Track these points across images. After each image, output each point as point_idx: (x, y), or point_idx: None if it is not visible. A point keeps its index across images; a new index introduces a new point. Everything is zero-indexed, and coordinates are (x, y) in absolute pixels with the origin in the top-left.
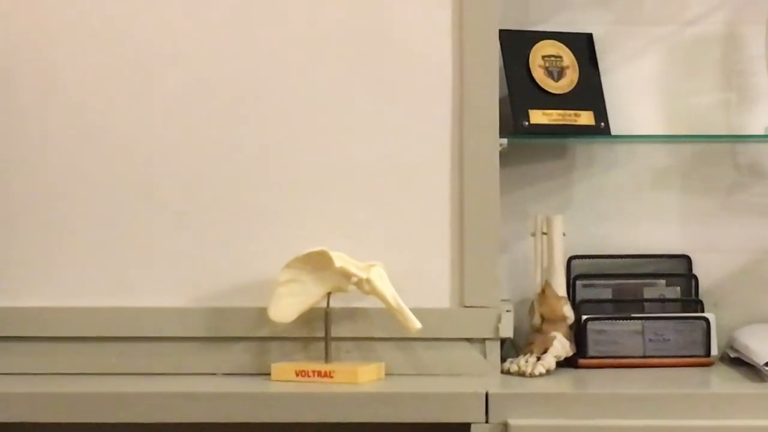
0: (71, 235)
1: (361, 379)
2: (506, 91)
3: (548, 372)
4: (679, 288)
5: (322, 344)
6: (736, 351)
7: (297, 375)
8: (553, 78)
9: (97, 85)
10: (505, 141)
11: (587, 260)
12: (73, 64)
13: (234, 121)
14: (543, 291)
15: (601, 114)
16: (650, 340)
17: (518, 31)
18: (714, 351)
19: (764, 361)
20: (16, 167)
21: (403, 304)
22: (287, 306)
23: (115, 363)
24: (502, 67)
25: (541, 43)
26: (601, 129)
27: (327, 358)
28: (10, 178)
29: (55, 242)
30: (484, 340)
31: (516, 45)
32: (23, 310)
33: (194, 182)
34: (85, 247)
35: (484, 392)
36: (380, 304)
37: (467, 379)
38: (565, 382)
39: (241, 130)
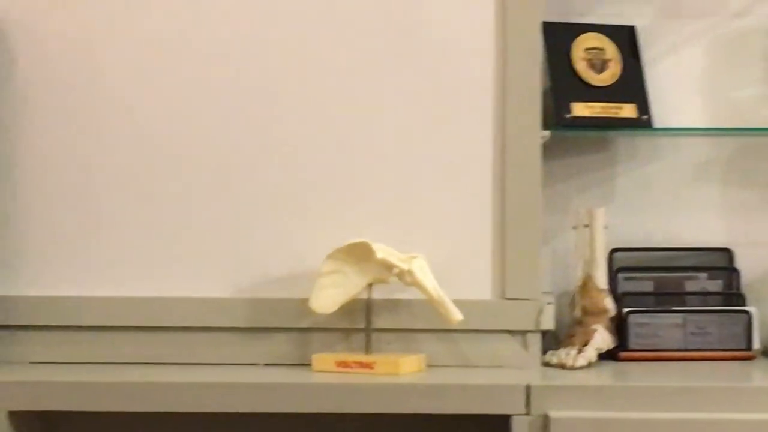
0: (113, 225)
1: (402, 371)
2: (548, 84)
3: (589, 364)
4: (720, 281)
5: (363, 335)
6: None
7: (338, 366)
8: (595, 70)
9: (137, 77)
10: (547, 133)
11: (629, 253)
12: (109, 55)
13: (278, 114)
14: (584, 283)
15: (643, 107)
16: (691, 333)
17: (561, 23)
18: (756, 345)
19: None
20: (53, 159)
21: (444, 296)
22: (329, 297)
23: (156, 353)
24: (545, 60)
25: (584, 35)
26: (643, 122)
27: (368, 350)
28: (49, 171)
29: (97, 233)
30: (525, 332)
31: (559, 37)
32: (64, 299)
33: (238, 174)
34: (127, 238)
35: (525, 384)
36: (422, 296)
37: (508, 371)
38: (606, 375)
39: (285, 122)
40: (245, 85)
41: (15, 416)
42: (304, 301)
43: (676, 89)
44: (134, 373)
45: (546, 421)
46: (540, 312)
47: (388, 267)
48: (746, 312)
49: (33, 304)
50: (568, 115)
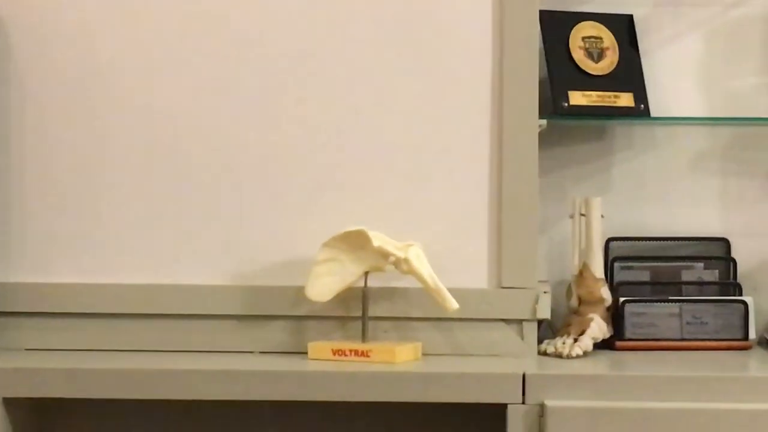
0: (110, 213)
1: (398, 359)
2: (546, 72)
3: (585, 354)
4: (717, 271)
5: (359, 323)
6: None
7: (334, 354)
8: (593, 59)
9: (140, 62)
10: (544, 122)
11: (625, 242)
12: (109, 46)
13: (274, 101)
14: (581, 273)
15: (640, 96)
16: (688, 322)
17: (559, 11)
18: (752, 334)
19: None
20: (51, 149)
21: (440, 284)
22: (325, 285)
23: (152, 340)
24: (542, 48)
25: (582, 24)
26: (640, 111)
27: (364, 338)
28: (47, 159)
29: (95, 220)
30: (521, 321)
31: (556, 26)
32: (63, 286)
33: (234, 161)
34: (125, 225)
35: (521, 373)
36: (418, 284)
37: (504, 360)
38: (602, 364)
39: (281, 110)
40: (244, 77)
41: (9, 403)
42: (300, 289)
43: (674, 78)
44: (129, 360)
45: (542, 409)
46: (536, 301)
47: (384, 255)
48: (743, 302)
49: (29, 291)
50: (565, 104)
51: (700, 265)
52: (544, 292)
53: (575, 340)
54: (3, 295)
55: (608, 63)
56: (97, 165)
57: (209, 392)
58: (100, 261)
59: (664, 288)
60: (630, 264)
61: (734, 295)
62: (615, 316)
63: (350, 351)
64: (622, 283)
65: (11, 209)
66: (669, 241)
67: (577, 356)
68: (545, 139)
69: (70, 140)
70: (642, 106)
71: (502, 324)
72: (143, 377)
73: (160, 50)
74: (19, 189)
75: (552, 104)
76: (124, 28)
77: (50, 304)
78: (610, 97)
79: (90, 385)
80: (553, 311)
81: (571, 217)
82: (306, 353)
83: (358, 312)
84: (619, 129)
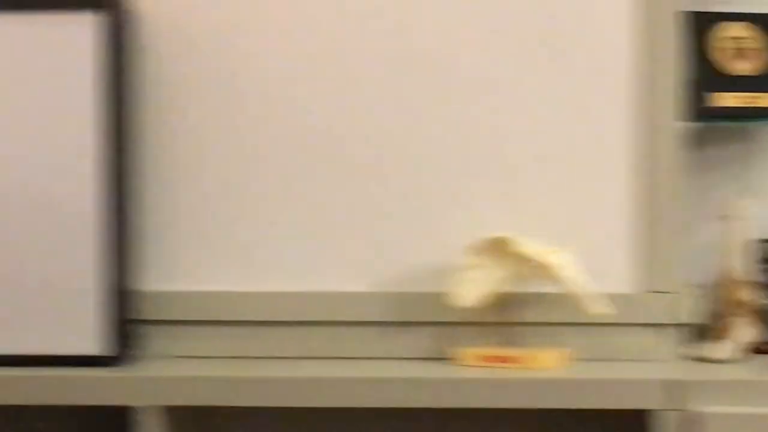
0: (261, 221)
1: (546, 365)
2: (688, 74)
3: (733, 358)
4: None
5: (505, 329)
6: None
7: (481, 360)
8: (737, 60)
9: (289, 69)
10: (688, 124)
11: None
12: (263, 45)
13: (414, 107)
14: (726, 276)
15: None
16: None
17: (702, 12)
18: None
19: None
20: (207, 157)
21: (586, 289)
22: (469, 291)
23: (300, 347)
24: (685, 50)
25: (726, 24)
26: None
27: (510, 344)
28: (203, 167)
29: (246, 229)
30: (666, 325)
31: (699, 26)
32: (215, 294)
33: (379, 168)
34: (273, 233)
35: (667, 379)
36: (563, 290)
37: (651, 365)
38: (752, 369)
39: (422, 116)
40: (389, 80)
41: (172, 411)
42: (445, 296)
43: None
44: (280, 367)
45: (688, 416)
46: (682, 305)
47: (528, 260)
48: None
49: (181, 299)
50: (709, 106)
51: None
52: (690, 296)
53: (723, 344)
54: (156, 303)
55: (754, 64)
56: (245, 172)
57: (359, 399)
58: (249, 269)
59: None
60: None
61: None
62: (764, 319)
63: (498, 357)
64: None
65: (164, 219)
66: None
67: (725, 361)
68: (688, 142)
69: (220, 150)
70: None
71: (647, 329)
72: (293, 385)
73: (308, 51)
74: (170, 198)
75: (695, 106)
76: (273, 28)
77: (203, 313)
78: (755, 98)
79: (241, 393)
80: (699, 315)
81: (717, 219)
82: (451, 360)
83: (503, 318)
84: (765, 131)
